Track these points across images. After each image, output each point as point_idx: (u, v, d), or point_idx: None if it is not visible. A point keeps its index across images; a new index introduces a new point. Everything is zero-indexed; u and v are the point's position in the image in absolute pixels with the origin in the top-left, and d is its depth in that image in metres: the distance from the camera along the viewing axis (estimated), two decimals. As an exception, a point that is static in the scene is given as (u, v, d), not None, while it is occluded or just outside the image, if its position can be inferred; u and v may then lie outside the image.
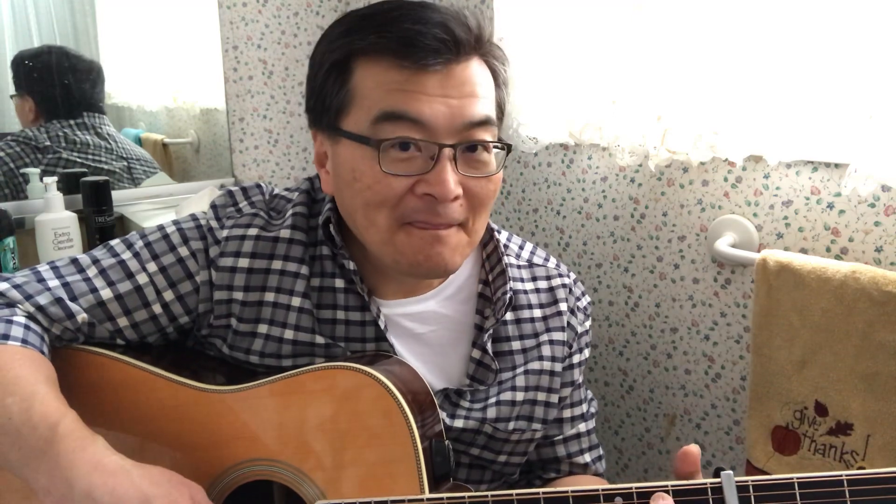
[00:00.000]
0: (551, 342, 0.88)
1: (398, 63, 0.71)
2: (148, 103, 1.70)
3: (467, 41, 0.73)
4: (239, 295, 0.80)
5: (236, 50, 1.72)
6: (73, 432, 0.67)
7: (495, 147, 0.76)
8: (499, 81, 0.79)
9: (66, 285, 0.79)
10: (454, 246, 0.76)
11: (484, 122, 0.74)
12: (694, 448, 0.65)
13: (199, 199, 1.52)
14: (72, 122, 1.55)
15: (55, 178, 1.38)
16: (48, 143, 1.52)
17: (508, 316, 0.86)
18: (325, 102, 0.77)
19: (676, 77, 1.08)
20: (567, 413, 0.92)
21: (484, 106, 0.74)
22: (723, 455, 1.25)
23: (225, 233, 0.81)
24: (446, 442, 0.72)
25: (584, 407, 0.94)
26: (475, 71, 0.74)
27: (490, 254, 0.88)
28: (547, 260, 0.93)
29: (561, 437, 0.91)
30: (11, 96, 1.49)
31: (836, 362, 0.97)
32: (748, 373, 1.12)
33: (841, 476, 0.58)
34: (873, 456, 0.95)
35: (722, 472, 0.60)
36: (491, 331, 0.84)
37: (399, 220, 0.74)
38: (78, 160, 1.56)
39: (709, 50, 1.04)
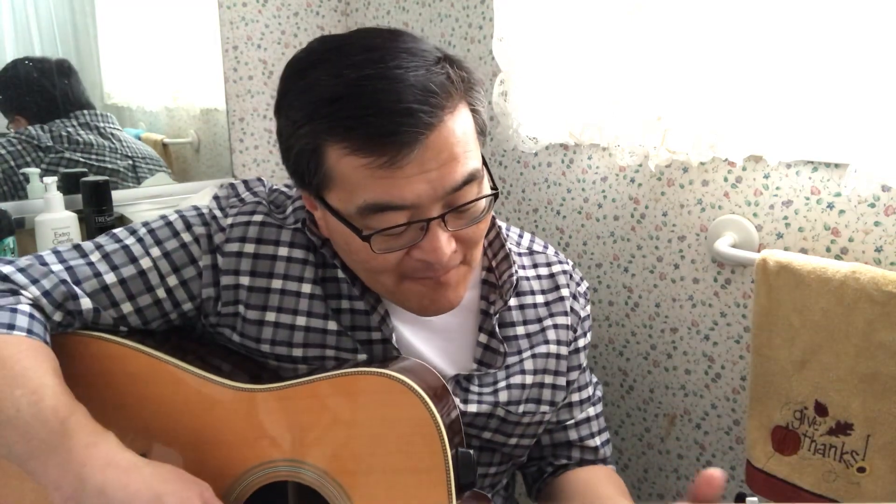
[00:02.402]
0: (556, 326, 0.90)
1: (372, 158, 0.68)
2: (148, 103, 1.69)
3: (436, 113, 0.68)
4: (245, 280, 0.81)
5: (236, 50, 1.72)
6: (84, 427, 0.67)
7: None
8: (475, 110, 0.75)
9: (69, 269, 0.79)
10: (457, 283, 0.78)
11: (467, 181, 0.71)
12: (719, 473, 0.63)
13: (199, 199, 1.53)
14: (74, 122, 1.55)
15: (55, 178, 1.38)
16: (50, 143, 1.52)
17: (512, 302, 0.88)
18: (304, 179, 0.74)
19: (676, 77, 1.08)
20: (576, 397, 0.94)
21: (465, 163, 0.71)
22: (723, 455, 1.25)
23: (229, 220, 0.82)
24: (472, 451, 0.72)
25: (591, 390, 0.96)
26: (450, 129, 0.70)
27: (492, 241, 0.89)
28: (546, 247, 0.96)
29: (572, 420, 0.93)
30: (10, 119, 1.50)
31: (836, 362, 0.97)
32: (748, 373, 1.12)
33: None
34: (873, 456, 0.95)
35: (747, 499, 0.59)
36: (498, 314, 0.85)
37: (402, 277, 0.76)
38: (81, 160, 1.55)
39: (709, 50, 1.04)
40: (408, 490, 0.70)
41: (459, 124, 0.71)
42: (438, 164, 0.69)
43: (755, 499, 0.59)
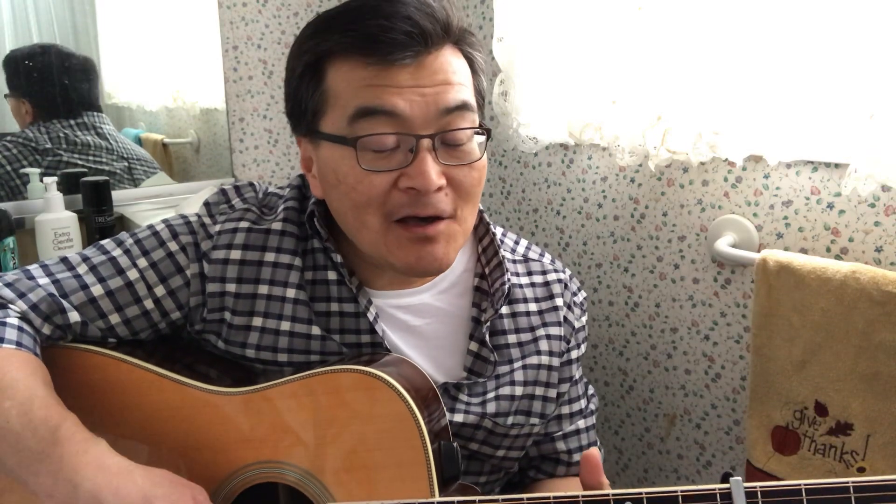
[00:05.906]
0: (548, 337, 0.88)
1: (365, 60, 0.71)
2: (148, 103, 1.69)
3: (435, 31, 0.72)
4: (232, 287, 0.80)
5: (236, 50, 1.72)
6: (74, 435, 0.67)
7: (476, 133, 0.76)
8: (475, 68, 0.78)
9: (56, 282, 0.79)
10: (446, 240, 0.76)
11: (460, 108, 0.73)
12: (595, 451, 0.64)
13: (199, 199, 1.52)
14: (72, 122, 1.54)
15: (55, 179, 1.38)
16: (49, 145, 1.51)
17: (504, 309, 0.87)
18: (302, 106, 0.77)
19: (676, 77, 1.08)
20: (566, 409, 0.92)
21: (460, 92, 0.74)
22: (723, 455, 1.25)
23: (217, 227, 0.82)
24: (455, 444, 0.72)
25: (583, 403, 0.94)
26: (448, 59, 0.74)
27: (486, 248, 0.88)
28: (542, 255, 0.94)
29: (560, 433, 0.92)
30: (5, 96, 1.47)
31: (836, 362, 0.97)
32: (748, 373, 1.12)
33: (847, 483, 0.58)
34: (873, 456, 0.95)
35: (731, 479, 0.60)
36: (489, 323, 0.84)
37: (388, 219, 0.74)
38: (79, 162, 1.55)
39: (709, 50, 1.04)
40: (390, 485, 0.70)
41: (457, 62, 0.75)
42: (433, 83, 0.72)
43: (739, 478, 0.59)
